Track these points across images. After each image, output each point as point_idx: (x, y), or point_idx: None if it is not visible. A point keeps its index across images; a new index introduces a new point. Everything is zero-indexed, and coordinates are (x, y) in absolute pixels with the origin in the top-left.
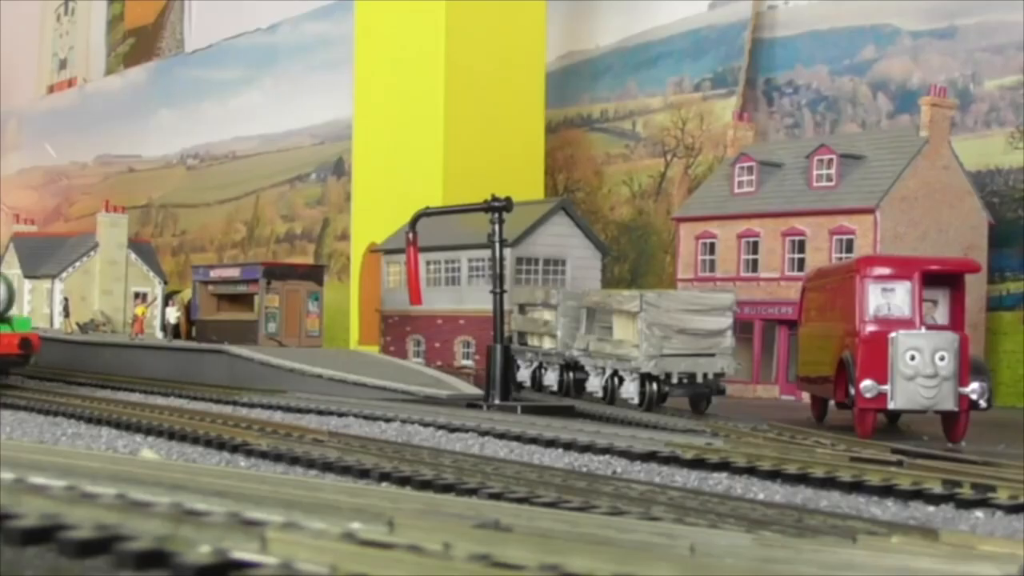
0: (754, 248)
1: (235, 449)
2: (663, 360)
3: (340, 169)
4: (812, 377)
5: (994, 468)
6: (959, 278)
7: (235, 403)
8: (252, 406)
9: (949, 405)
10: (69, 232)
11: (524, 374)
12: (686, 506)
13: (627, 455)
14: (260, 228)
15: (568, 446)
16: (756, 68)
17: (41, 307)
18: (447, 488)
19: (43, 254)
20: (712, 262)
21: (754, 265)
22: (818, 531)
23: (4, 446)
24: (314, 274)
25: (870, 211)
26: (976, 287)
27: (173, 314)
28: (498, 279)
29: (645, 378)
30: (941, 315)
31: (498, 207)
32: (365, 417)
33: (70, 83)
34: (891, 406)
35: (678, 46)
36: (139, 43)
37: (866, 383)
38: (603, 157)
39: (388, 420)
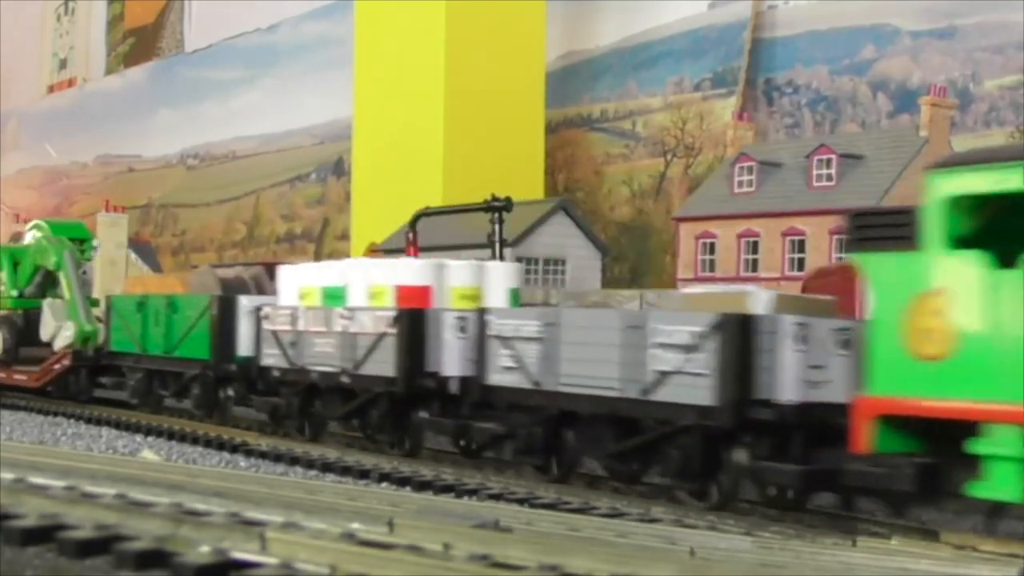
0: (754, 248)
1: (235, 449)
2: None
3: (340, 169)
4: None
5: None
6: None
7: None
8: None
9: None
10: None
11: None
12: (686, 506)
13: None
14: (260, 228)
15: None
16: (756, 68)
17: None
18: (447, 488)
19: None
20: (712, 262)
21: (754, 265)
22: (818, 533)
23: (4, 446)
24: None
25: None
26: None
27: None
28: None
29: None
30: None
31: (498, 207)
32: None
33: (70, 83)
34: None
35: (678, 46)
36: (139, 43)
37: None
38: (603, 157)
39: None
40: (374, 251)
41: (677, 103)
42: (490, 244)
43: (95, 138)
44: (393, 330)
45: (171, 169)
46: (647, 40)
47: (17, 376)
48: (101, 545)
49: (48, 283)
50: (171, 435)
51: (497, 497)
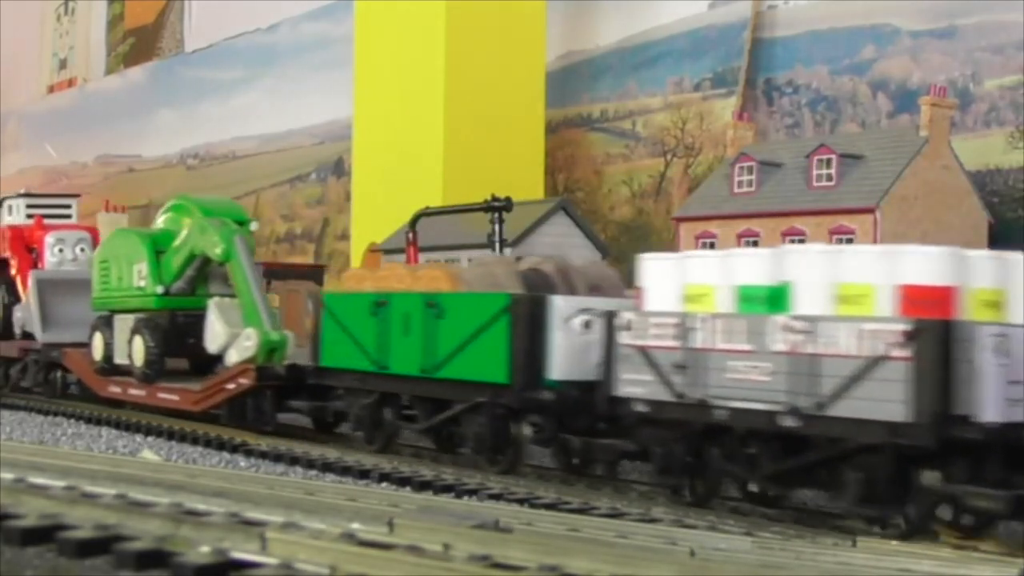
0: (754, 248)
1: (235, 449)
2: None
3: (340, 169)
4: None
5: None
6: None
7: None
8: None
9: None
10: None
11: None
12: (686, 506)
13: (628, 454)
14: (260, 228)
15: None
16: (756, 68)
17: None
18: (447, 488)
19: None
20: None
21: None
22: (818, 533)
23: (4, 446)
24: (314, 274)
25: (870, 211)
26: None
27: None
28: None
29: None
30: None
31: (498, 207)
32: None
33: (70, 83)
34: None
35: (678, 46)
36: (139, 43)
37: None
38: (603, 157)
39: None
40: (374, 251)
41: (677, 103)
42: (490, 244)
43: (95, 138)
44: (903, 353)
45: (171, 169)
46: (647, 40)
47: (164, 395)
48: (101, 545)
49: (199, 278)
50: (171, 435)
51: (497, 497)
